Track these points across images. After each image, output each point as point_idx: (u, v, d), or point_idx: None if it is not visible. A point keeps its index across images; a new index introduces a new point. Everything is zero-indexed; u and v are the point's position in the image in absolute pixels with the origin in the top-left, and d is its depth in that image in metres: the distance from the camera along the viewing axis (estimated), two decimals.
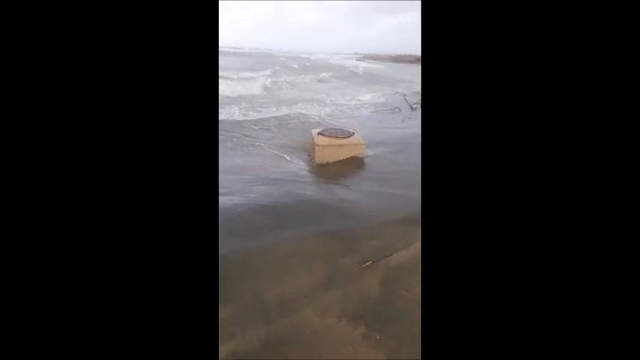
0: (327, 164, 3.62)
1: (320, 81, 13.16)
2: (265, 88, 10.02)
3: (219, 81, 8.96)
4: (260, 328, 1.44)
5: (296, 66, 18.77)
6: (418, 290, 1.65)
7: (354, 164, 3.68)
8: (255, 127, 5.23)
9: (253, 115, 6.10)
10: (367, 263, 1.85)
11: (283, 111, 6.56)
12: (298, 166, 3.61)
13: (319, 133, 3.90)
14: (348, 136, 3.88)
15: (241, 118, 5.88)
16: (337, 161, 3.68)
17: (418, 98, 8.44)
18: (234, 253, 1.93)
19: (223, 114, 6.00)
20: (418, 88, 10.92)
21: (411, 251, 1.95)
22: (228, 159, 3.75)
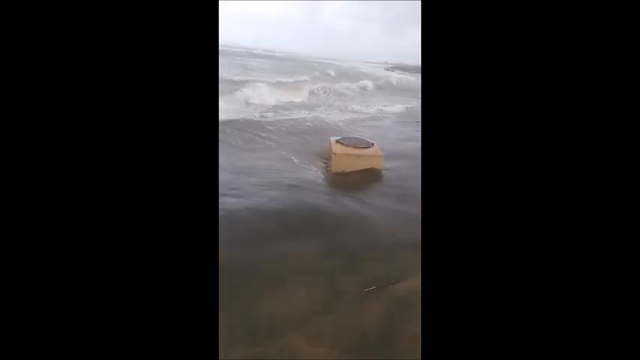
0: (343, 173, 3.49)
1: (362, 89, 12.71)
2: (310, 93, 9.42)
3: (265, 86, 8.36)
4: (243, 347, 1.32)
5: (332, 73, 18.23)
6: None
7: (371, 176, 3.53)
8: (271, 128, 5.18)
9: (270, 117, 6.07)
10: (371, 288, 1.69)
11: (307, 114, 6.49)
12: (312, 172, 3.50)
13: (337, 141, 3.78)
14: (367, 147, 3.74)
15: (258, 118, 5.85)
16: (353, 171, 3.54)
17: None
18: (231, 261, 1.83)
19: (244, 114, 5.98)
20: None
21: (420, 280, 1.78)
22: (239, 159, 3.70)
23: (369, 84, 13.66)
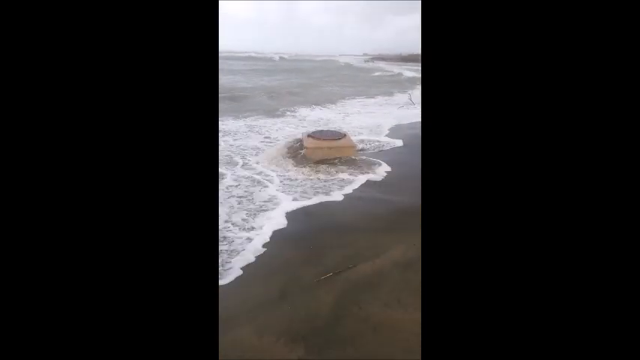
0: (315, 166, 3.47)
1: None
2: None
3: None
4: None
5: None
6: (372, 308, 1.45)
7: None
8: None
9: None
10: (326, 275, 1.68)
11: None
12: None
13: (309, 135, 3.76)
14: (339, 139, 3.72)
15: None
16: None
17: None
18: None
19: None
20: None
21: (377, 263, 1.77)
22: None
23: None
